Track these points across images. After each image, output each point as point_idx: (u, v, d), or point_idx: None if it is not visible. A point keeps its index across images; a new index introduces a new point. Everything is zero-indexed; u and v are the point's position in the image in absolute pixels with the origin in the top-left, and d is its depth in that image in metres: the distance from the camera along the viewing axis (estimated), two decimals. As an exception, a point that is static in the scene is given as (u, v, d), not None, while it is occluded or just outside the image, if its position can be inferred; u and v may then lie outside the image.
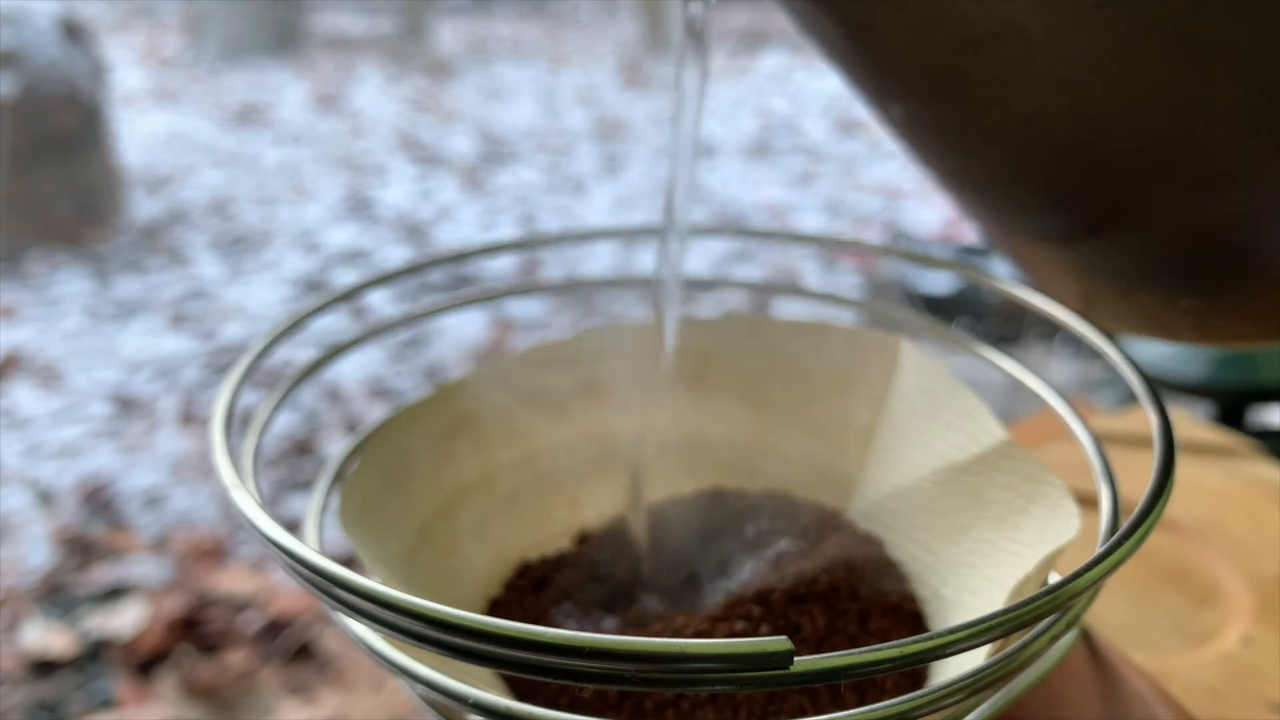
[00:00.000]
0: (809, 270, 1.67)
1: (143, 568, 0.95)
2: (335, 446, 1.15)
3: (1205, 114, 0.16)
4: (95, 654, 0.85)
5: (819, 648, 0.22)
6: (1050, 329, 1.11)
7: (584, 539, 0.28)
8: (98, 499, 1.07)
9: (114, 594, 0.92)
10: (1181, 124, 0.16)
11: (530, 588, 0.26)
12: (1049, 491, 0.22)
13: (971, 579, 0.23)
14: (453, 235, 1.87)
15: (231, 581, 0.93)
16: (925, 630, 0.23)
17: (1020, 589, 0.20)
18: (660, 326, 0.25)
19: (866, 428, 0.28)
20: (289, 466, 1.12)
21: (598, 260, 1.67)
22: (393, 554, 0.23)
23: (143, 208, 1.98)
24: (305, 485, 1.08)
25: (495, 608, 0.26)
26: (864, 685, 0.21)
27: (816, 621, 0.22)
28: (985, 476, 0.24)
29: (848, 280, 1.62)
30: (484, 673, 0.20)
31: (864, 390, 0.28)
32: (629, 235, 0.31)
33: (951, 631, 0.14)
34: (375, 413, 1.21)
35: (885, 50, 0.19)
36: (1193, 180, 0.17)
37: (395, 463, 0.25)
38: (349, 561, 0.16)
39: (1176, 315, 0.21)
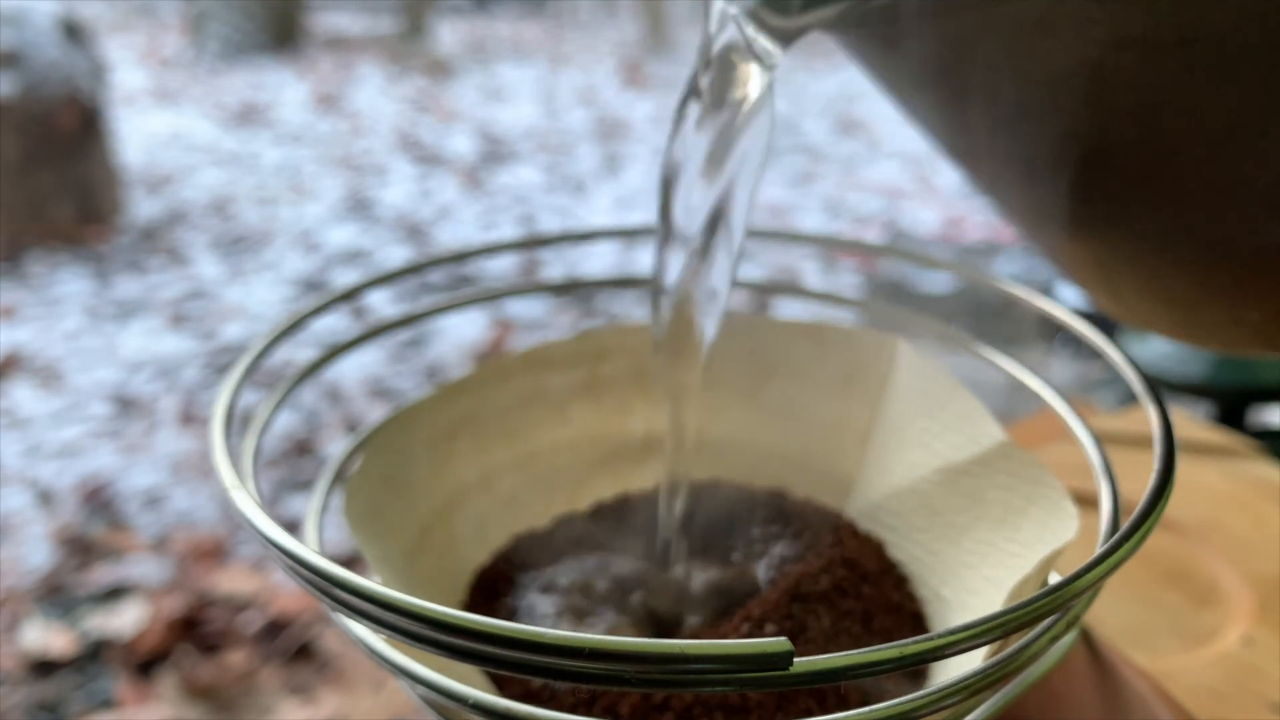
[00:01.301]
0: (809, 270, 1.67)
1: (143, 568, 0.95)
2: (335, 446, 1.15)
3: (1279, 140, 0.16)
4: (95, 654, 0.85)
5: (826, 647, 0.22)
6: (1050, 329, 1.11)
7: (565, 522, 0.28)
8: (98, 499, 1.07)
9: (114, 594, 0.92)
10: (1257, 150, 0.17)
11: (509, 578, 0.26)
12: (1048, 493, 0.22)
13: (972, 580, 0.23)
14: (453, 235, 1.87)
15: (231, 581, 0.93)
16: (927, 631, 0.23)
17: (1019, 589, 0.20)
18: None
19: (864, 428, 0.28)
20: (289, 466, 1.12)
21: (598, 260, 1.67)
22: (395, 553, 0.23)
23: (143, 208, 1.98)
24: (305, 485, 1.08)
25: (479, 587, 0.25)
26: (868, 686, 0.21)
27: (822, 621, 0.22)
28: (985, 478, 0.24)
29: (848, 280, 1.62)
30: (481, 671, 0.20)
31: (862, 391, 0.28)
32: (629, 235, 0.31)
33: (952, 632, 0.14)
34: (375, 413, 1.21)
35: (956, 88, 0.19)
36: (1267, 202, 0.17)
37: (395, 463, 0.25)
38: (349, 562, 0.16)
39: (1242, 329, 0.21)
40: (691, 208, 0.20)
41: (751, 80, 0.18)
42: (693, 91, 0.19)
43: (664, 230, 0.21)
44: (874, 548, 0.25)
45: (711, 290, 0.21)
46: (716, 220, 0.20)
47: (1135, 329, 0.24)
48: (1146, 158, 0.18)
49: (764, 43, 0.18)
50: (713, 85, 0.19)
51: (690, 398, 0.23)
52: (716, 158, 0.19)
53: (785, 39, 0.18)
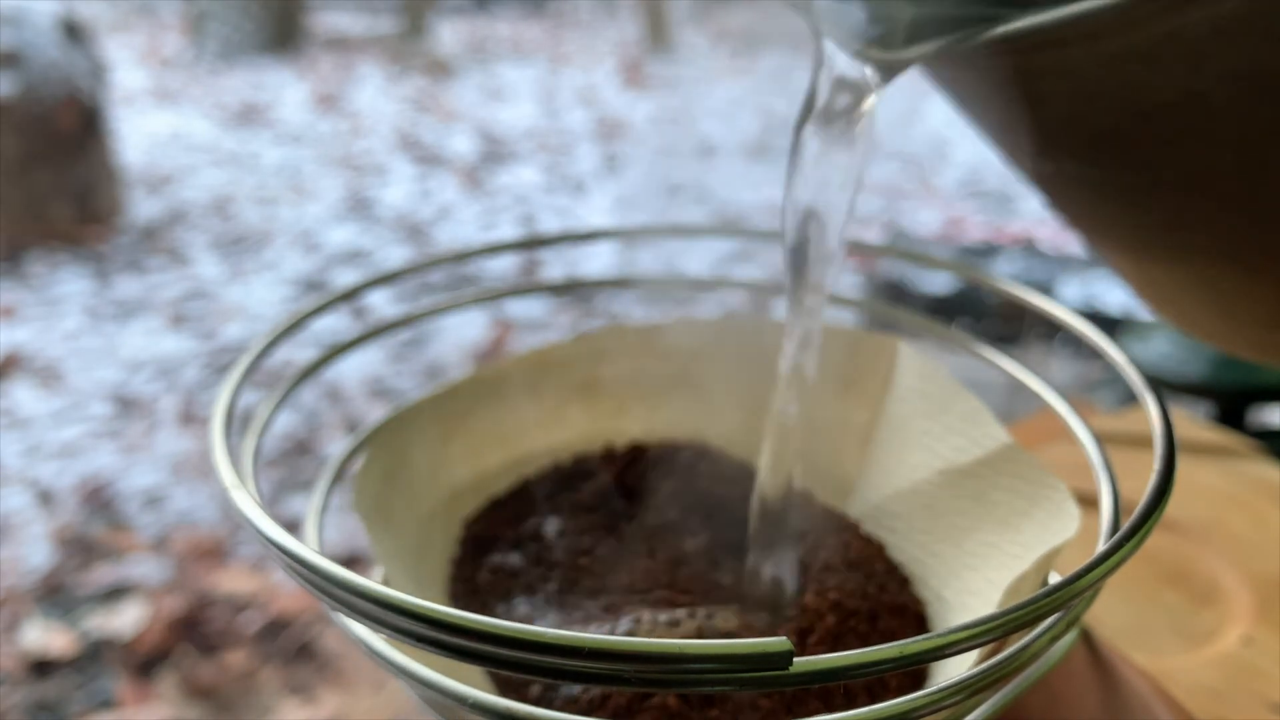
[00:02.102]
0: (809, 270, 1.67)
1: (143, 568, 0.95)
2: (335, 446, 1.15)
3: None
4: (95, 654, 0.85)
5: (834, 647, 0.22)
6: (1050, 329, 1.11)
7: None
8: (98, 499, 1.07)
9: (114, 594, 0.92)
10: None
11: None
12: (1051, 495, 0.22)
13: (973, 581, 0.23)
14: (453, 235, 1.87)
15: (231, 581, 0.93)
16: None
17: (1017, 587, 0.20)
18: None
19: (865, 429, 0.27)
20: (289, 466, 1.12)
21: (598, 260, 1.67)
22: (402, 549, 0.23)
23: (143, 208, 1.98)
24: (305, 485, 1.08)
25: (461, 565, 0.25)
26: (873, 686, 0.21)
27: (826, 621, 0.22)
28: (988, 480, 0.24)
29: (848, 280, 1.62)
30: (481, 671, 0.20)
31: (861, 391, 0.28)
32: (629, 235, 0.31)
33: (952, 632, 0.14)
34: (375, 413, 1.21)
35: (1048, 116, 0.19)
36: None
37: (396, 463, 0.25)
38: (349, 561, 0.16)
39: None
40: (793, 216, 0.21)
41: (859, 105, 0.20)
42: (808, 114, 0.21)
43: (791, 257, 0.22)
44: (877, 549, 0.25)
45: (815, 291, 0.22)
46: (811, 230, 0.21)
47: (1206, 344, 0.24)
48: (1244, 185, 0.18)
49: (869, 74, 0.20)
50: (824, 110, 0.20)
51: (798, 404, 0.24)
52: (821, 171, 0.21)
53: (889, 71, 0.19)
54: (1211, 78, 0.16)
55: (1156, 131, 0.18)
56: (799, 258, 0.21)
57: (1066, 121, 0.19)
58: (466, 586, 0.25)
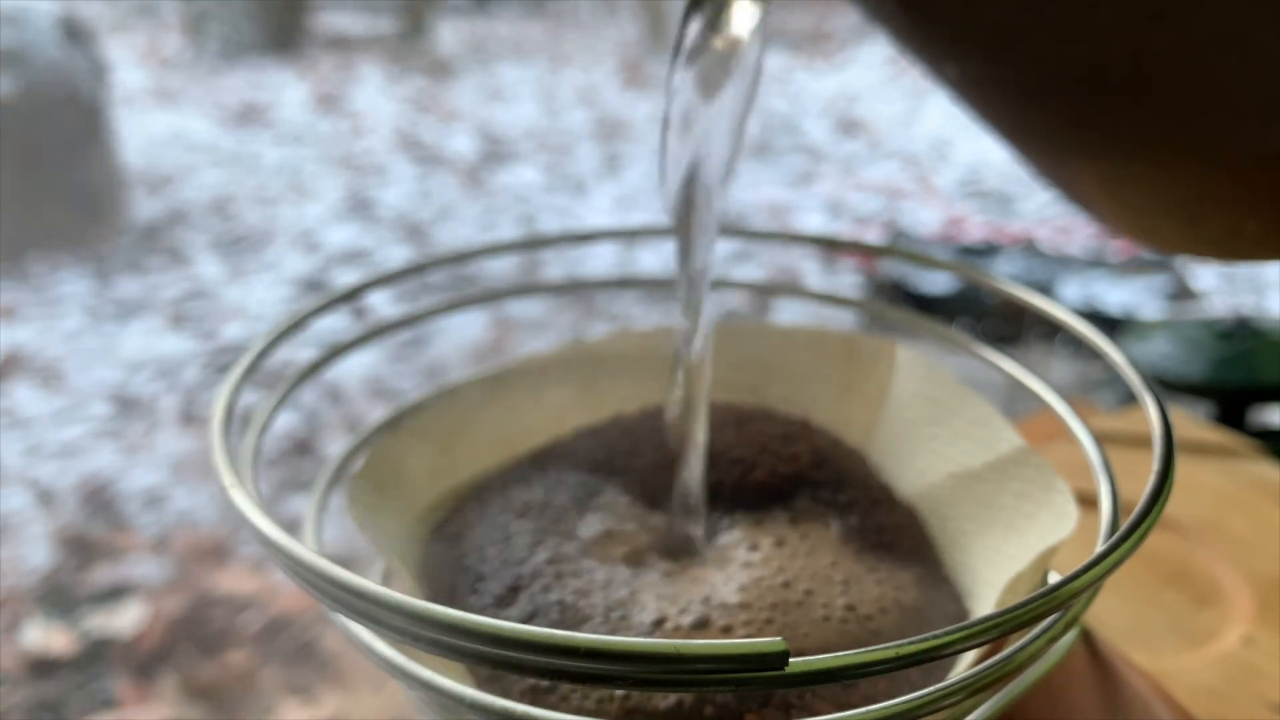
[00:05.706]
0: (809, 270, 1.67)
1: (143, 568, 0.95)
2: (335, 446, 1.15)
3: (1275, 47, 0.16)
4: (95, 654, 0.85)
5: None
6: (1050, 329, 1.11)
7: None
8: (98, 499, 1.07)
9: (114, 594, 0.92)
10: (1247, 59, 0.17)
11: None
12: (1056, 498, 0.22)
13: (974, 584, 0.23)
14: (453, 235, 1.87)
15: (231, 581, 0.93)
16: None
17: (1014, 585, 0.20)
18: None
19: (862, 433, 0.27)
20: (289, 466, 1.12)
21: (598, 260, 1.67)
22: (404, 551, 0.23)
23: (143, 208, 1.98)
24: (305, 485, 1.08)
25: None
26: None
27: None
28: (998, 484, 0.24)
29: (848, 280, 1.62)
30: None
31: (860, 395, 0.28)
32: (629, 235, 0.31)
33: (950, 632, 0.14)
34: (375, 413, 1.21)
35: (941, 14, 0.19)
36: (1258, 111, 0.18)
37: (394, 469, 0.25)
38: (348, 561, 0.16)
39: (1243, 240, 0.21)
40: (671, 162, 0.19)
41: (741, 18, 0.18)
42: (680, 44, 0.19)
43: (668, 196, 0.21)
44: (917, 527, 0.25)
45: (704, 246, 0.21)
46: (694, 178, 0.19)
47: (1142, 245, 0.25)
48: (1137, 74, 0.18)
49: None
50: (701, 29, 0.19)
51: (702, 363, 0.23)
52: (696, 108, 0.19)
53: None
54: None
55: (1044, 24, 0.18)
56: (685, 205, 0.20)
57: (961, 19, 0.19)
58: (434, 579, 0.25)
